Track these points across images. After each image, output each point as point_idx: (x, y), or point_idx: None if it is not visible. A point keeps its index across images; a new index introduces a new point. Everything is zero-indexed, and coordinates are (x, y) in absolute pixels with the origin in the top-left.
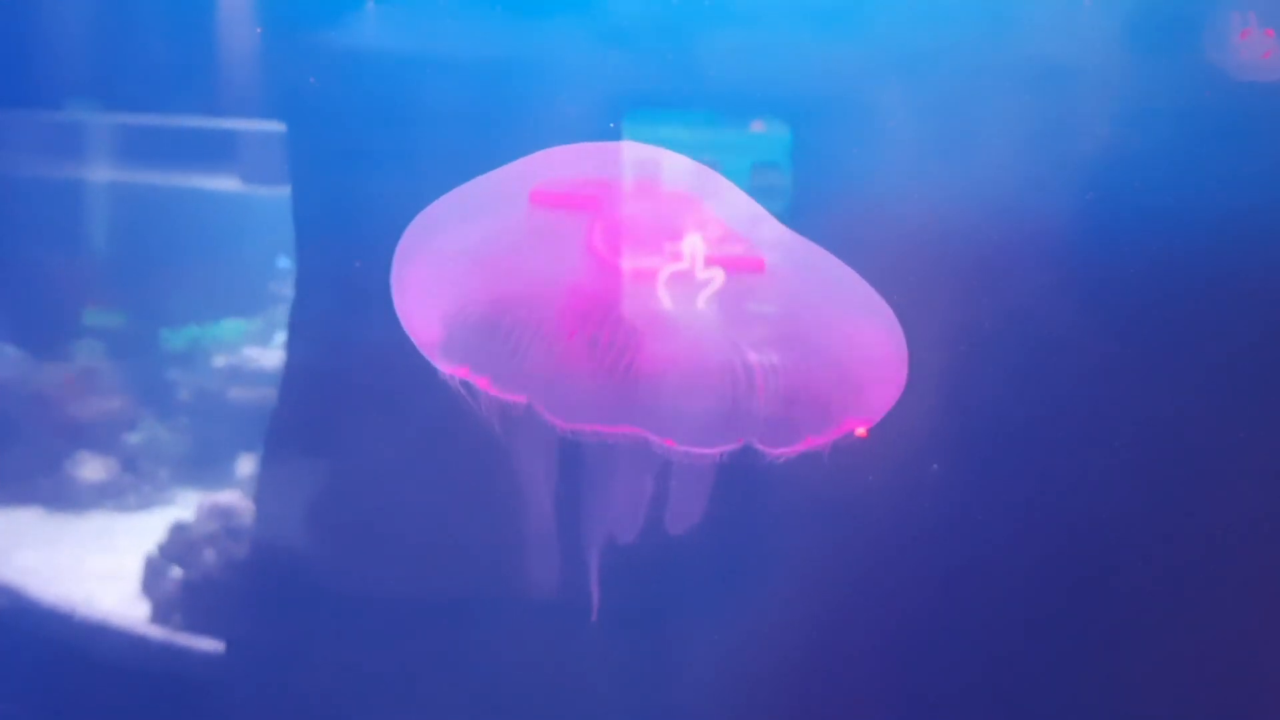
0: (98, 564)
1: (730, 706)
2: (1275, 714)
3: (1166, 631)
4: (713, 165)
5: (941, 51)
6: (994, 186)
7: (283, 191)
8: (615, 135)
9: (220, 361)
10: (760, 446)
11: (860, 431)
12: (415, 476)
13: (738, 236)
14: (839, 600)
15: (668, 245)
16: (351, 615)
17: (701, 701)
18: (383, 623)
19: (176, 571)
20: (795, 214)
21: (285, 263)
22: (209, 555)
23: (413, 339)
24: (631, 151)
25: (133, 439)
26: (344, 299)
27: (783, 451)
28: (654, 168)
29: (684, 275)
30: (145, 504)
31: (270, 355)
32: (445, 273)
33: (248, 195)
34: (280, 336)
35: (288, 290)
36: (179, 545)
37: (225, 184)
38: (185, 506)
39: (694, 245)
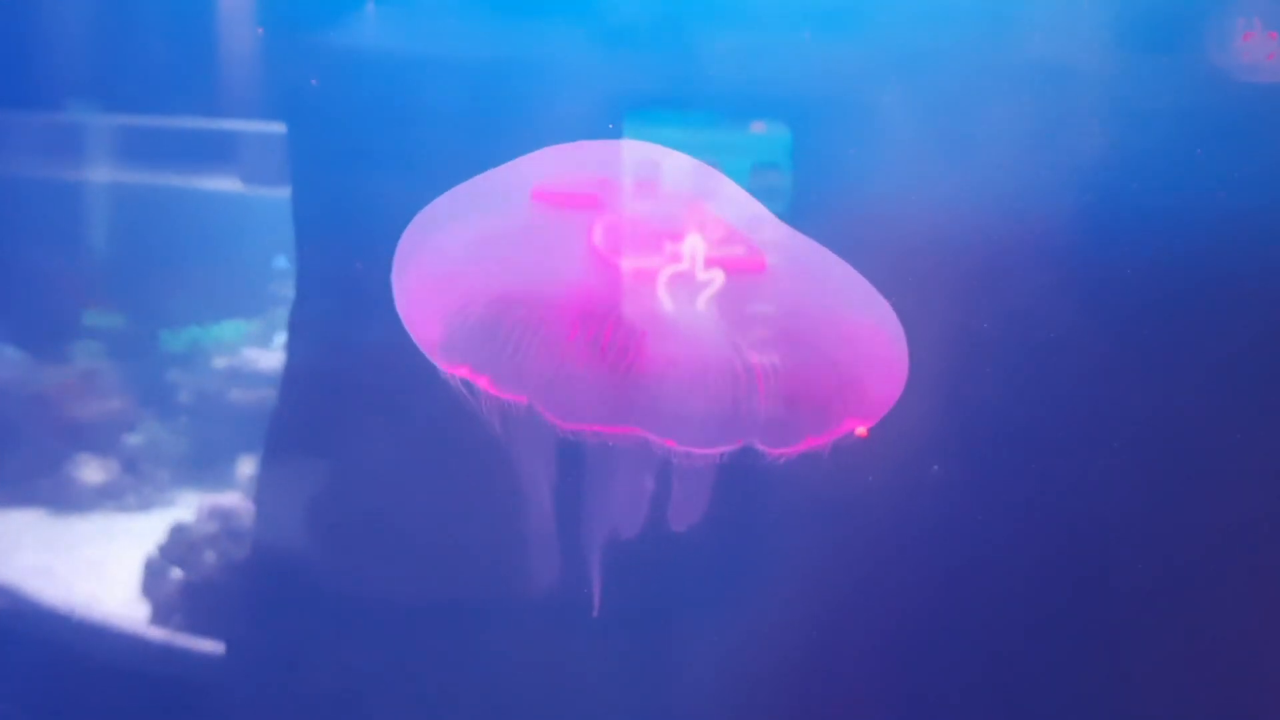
0: (98, 565)
1: (730, 706)
2: (1275, 714)
3: (1166, 631)
4: (713, 166)
5: (942, 52)
6: (994, 187)
7: (283, 192)
8: (615, 136)
9: (220, 363)
10: (761, 447)
11: (860, 431)
12: (415, 477)
13: (739, 236)
14: (839, 600)
15: (669, 245)
16: (351, 616)
17: (702, 701)
18: (383, 624)
19: (176, 573)
20: (795, 215)
21: (285, 264)
22: (209, 556)
23: (413, 337)
24: (633, 150)
25: (133, 440)
26: (344, 300)
27: (783, 452)
28: (656, 166)
29: (684, 276)
30: (145, 505)
31: (270, 356)
32: (446, 271)
33: (248, 196)
34: (280, 338)
35: (288, 291)
36: (179, 546)
37: (225, 185)
38: (185, 508)
39: (694, 246)
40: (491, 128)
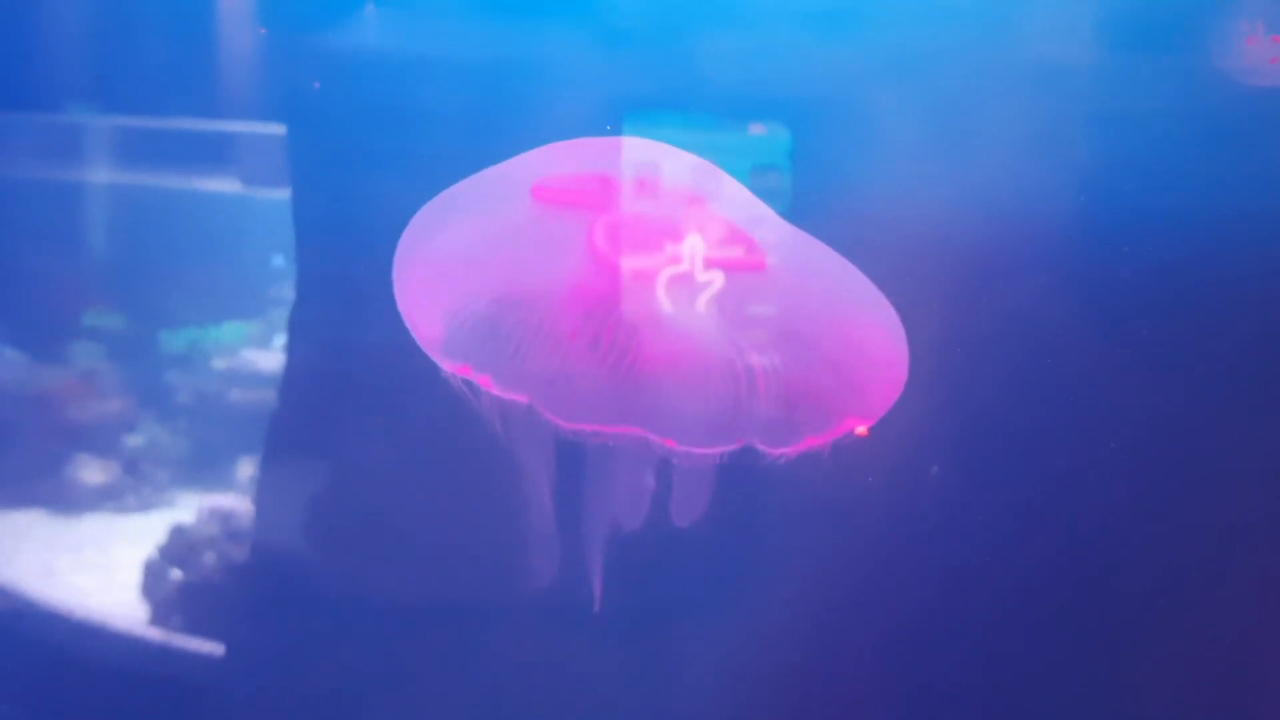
0: (97, 566)
1: (730, 706)
2: (1275, 714)
3: (1167, 632)
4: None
5: (942, 53)
6: (994, 188)
7: (282, 193)
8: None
9: (220, 364)
10: (761, 446)
11: (861, 430)
12: (414, 478)
13: (740, 234)
14: (839, 600)
15: (669, 245)
16: (351, 617)
17: (702, 701)
18: (383, 624)
19: (176, 574)
20: (795, 216)
21: (285, 265)
22: (209, 558)
23: (414, 336)
24: (634, 147)
25: (133, 441)
26: (344, 301)
27: (783, 451)
28: (657, 164)
29: (685, 277)
30: (145, 506)
31: (270, 357)
32: (446, 269)
33: (248, 197)
34: (280, 339)
35: (288, 292)
36: (179, 548)
37: (225, 186)
38: (185, 509)
39: (694, 246)
40: (491, 129)
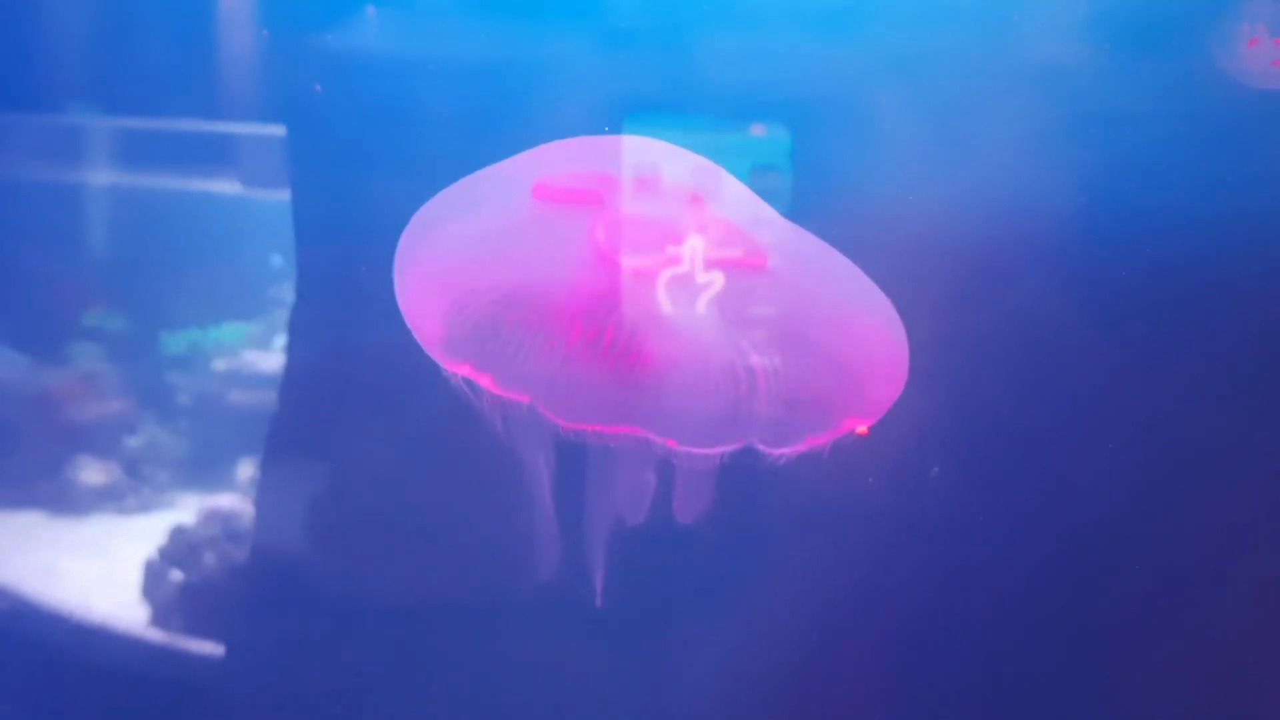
0: (98, 567)
1: (730, 706)
2: (1275, 714)
3: (1166, 631)
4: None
5: (942, 54)
6: (995, 189)
7: (283, 195)
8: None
9: (220, 365)
10: (761, 447)
11: (861, 430)
12: (415, 479)
13: (741, 233)
14: (839, 600)
15: (670, 245)
16: (351, 618)
17: (702, 701)
18: (383, 625)
19: (176, 575)
20: (795, 216)
21: (285, 266)
22: (209, 558)
23: (415, 335)
24: (635, 146)
25: (133, 442)
26: (344, 302)
27: (784, 451)
28: (657, 163)
29: (685, 278)
30: (145, 507)
31: (270, 358)
32: (447, 267)
33: (248, 199)
34: (280, 340)
35: (288, 293)
36: (179, 548)
37: (226, 187)
38: (185, 510)
39: (695, 247)
40: (492, 130)
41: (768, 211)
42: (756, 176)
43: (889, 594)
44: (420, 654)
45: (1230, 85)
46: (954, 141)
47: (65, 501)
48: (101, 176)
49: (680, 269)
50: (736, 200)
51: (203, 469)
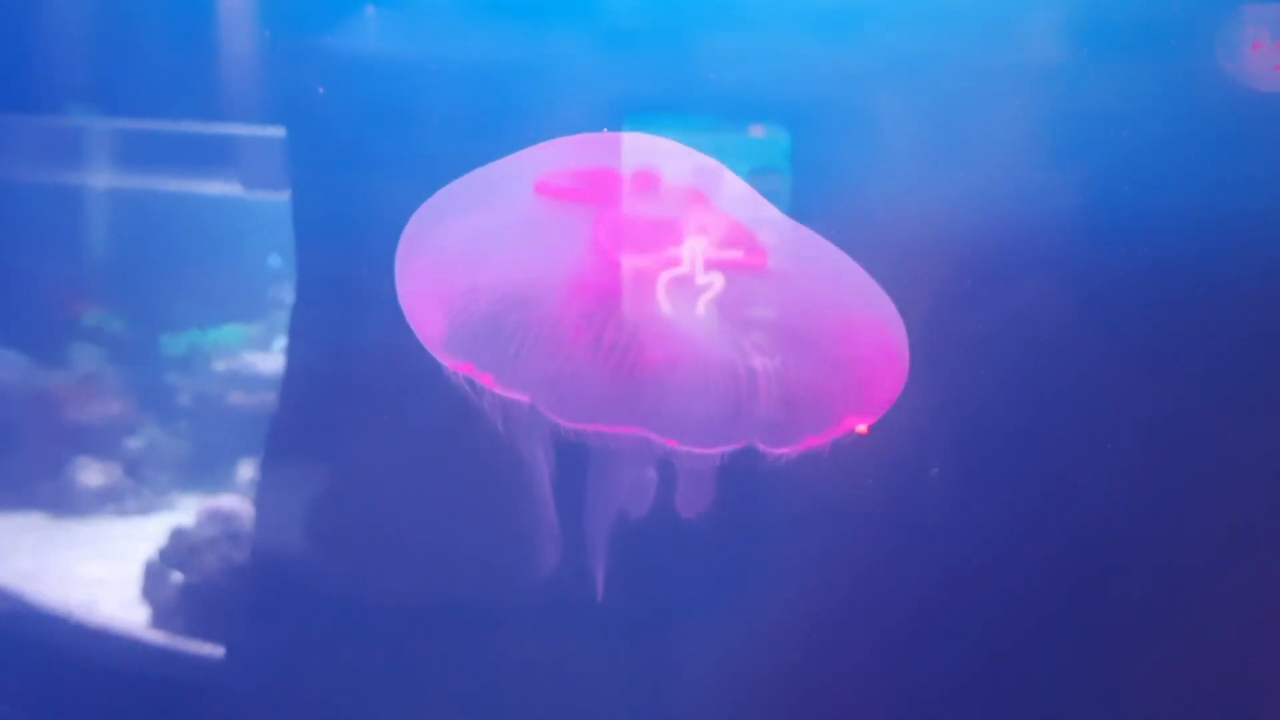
0: (98, 568)
1: (730, 706)
2: (1275, 715)
3: (1167, 632)
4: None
5: (943, 55)
6: (994, 189)
7: (283, 196)
8: None
9: (220, 366)
10: (762, 447)
11: (861, 429)
12: (415, 480)
13: (741, 231)
14: (839, 599)
15: (670, 245)
16: (352, 619)
17: (702, 701)
18: (384, 627)
19: (177, 576)
20: (795, 218)
21: (286, 268)
22: (209, 560)
23: (416, 332)
24: (636, 143)
25: (133, 444)
26: (344, 304)
27: (784, 451)
28: (658, 160)
29: (685, 279)
30: (146, 509)
31: (270, 360)
32: (448, 264)
33: (248, 200)
34: (280, 341)
35: (288, 295)
36: (179, 550)
37: (226, 189)
38: (185, 511)
39: (695, 247)
40: (492, 131)
41: (769, 209)
42: (757, 178)
43: (889, 594)
44: (420, 654)
45: (1233, 88)
46: (954, 142)
47: (65, 503)
48: (102, 178)
49: (681, 270)
50: (738, 198)
51: (203, 470)
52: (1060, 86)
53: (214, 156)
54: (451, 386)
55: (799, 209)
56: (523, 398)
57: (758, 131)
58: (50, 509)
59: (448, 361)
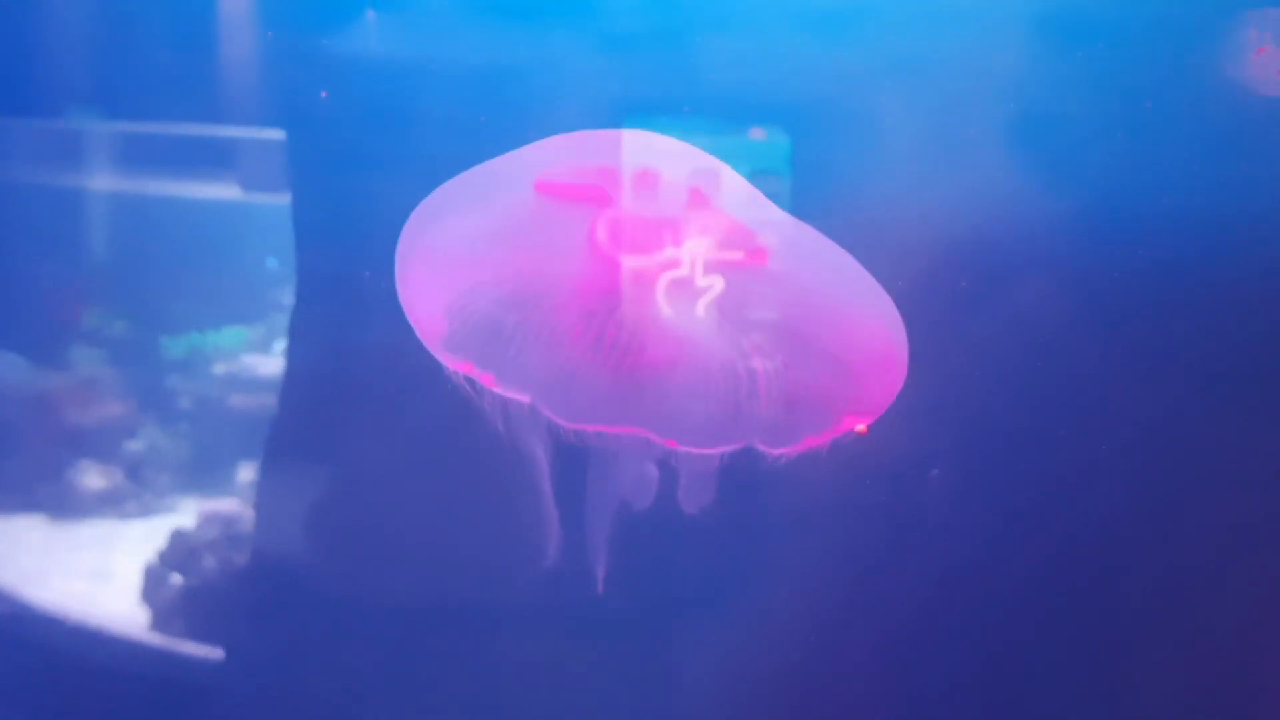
0: (98, 571)
1: (730, 706)
2: (1276, 714)
3: (1167, 632)
4: None
5: (942, 55)
6: (995, 189)
7: (283, 198)
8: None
9: (221, 369)
10: (761, 447)
11: (861, 429)
12: (416, 480)
13: (742, 230)
14: (839, 600)
15: (671, 245)
16: (352, 621)
17: (702, 701)
18: (384, 628)
19: (177, 578)
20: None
21: (286, 270)
22: (209, 562)
23: (416, 331)
24: (636, 141)
25: (133, 446)
26: (345, 306)
27: (784, 451)
28: (659, 158)
29: (685, 280)
30: (146, 511)
31: (271, 362)
32: (448, 261)
33: (248, 202)
34: (281, 344)
35: (288, 297)
36: (180, 552)
37: (226, 191)
38: (186, 514)
39: (694, 250)
40: (492, 133)
41: (769, 208)
42: (757, 180)
43: (888, 594)
44: (420, 654)
45: (1236, 91)
46: (954, 142)
47: (66, 505)
48: (102, 180)
49: (681, 271)
50: (738, 198)
51: (203, 473)
52: (1060, 87)
53: (214, 158)
54: (451, 386)
55: (799, 209)
56: (523, 397)
57: (757, 132)
58: (51, 511)
59: (448, 361)
